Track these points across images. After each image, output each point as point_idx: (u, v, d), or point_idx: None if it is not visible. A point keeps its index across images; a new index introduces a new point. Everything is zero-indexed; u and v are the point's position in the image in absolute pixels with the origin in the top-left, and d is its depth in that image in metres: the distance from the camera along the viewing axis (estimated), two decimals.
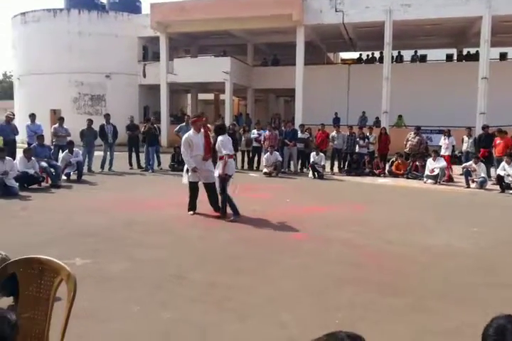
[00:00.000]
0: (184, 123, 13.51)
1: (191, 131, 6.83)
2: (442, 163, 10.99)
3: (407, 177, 11.68)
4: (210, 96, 28.94)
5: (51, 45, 21.34)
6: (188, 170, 6.86)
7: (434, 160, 11.09)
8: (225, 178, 6.51)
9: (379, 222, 6.64)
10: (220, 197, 6.66)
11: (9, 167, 8.40)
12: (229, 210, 6.60)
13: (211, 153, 6.87)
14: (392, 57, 19.54)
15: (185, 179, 6.98)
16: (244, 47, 23.68)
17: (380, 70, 18.36)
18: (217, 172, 6.60)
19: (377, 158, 12.81)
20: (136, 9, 23.78)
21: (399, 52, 22.21)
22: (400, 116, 18.86)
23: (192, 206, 6.87)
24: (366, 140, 12.97)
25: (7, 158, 8.73)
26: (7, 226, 5.93)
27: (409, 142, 12.65)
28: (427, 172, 11.13)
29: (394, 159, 12.35)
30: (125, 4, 23.46)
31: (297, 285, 3.94)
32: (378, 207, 7.92)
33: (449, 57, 22.77)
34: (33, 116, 11.73)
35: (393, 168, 12.23)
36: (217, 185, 6.69)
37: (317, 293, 3.78)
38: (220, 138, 6.61)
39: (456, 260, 4.81)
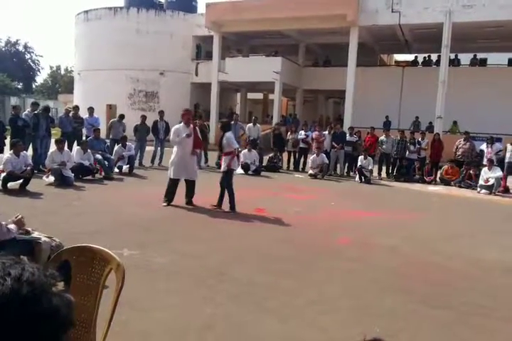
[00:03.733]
0: (232, 122, 13.70)
1: (181, 124, 7.16)
2: (498, 172, 10.48)
3: (460, 186, 11.22)
4: (259, 95, 29.09)
5: (110, 42, 22.21)
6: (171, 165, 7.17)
7: (489, 169, 10.60)
8: (229, 172, 7.00)
9: (427, 232, 6.43)
10: (226, 191, 7.03)
11: (67, 158, 8.85)
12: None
13: (200, 145, 7.31)
14: (450, 60, 18.81)
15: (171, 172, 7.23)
16: (295, 48, 23.61)
17: (435, 74, 17.73)
18: (223, 166, 7.09)
19: (428, 165, 12.41)
20: (192, 8, 24.31)
21: (456, 55, 21.35)
22: (455, 122, 18.14)
23: (169, 198, 7.09)
24: (417, 145, 12.59)
25: (65, 149, 9.21)
26: (62, 215, 6.25)
27: (461, 149, 12.17)
28: (481, 181, 10.64)
29: (446, 166, 11.93)
30: (182, 3, 24.04)
31: (339, 291, 3.90)
32: (427, 216, 7.67)
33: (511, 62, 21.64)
34: (91, 110, 12.30)
35: (443, 173, 11.81)
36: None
37: (359, 300, 3.72)
38: (227, 134, 7.06)
39: (507, 276, 4.58)
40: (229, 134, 7.10)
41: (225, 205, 7.12)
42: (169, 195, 7.11)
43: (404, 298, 3.78)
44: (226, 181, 7.01)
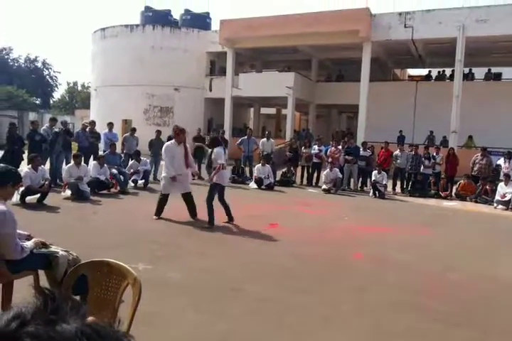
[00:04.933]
0: (246, 137, 13.82)
1: (172, 142, 7.28)
2: None
3: (476, 202, 11.07)
4: (272, 110, 29.28)
5: (126, 59, 22.67)
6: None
7: (506, 184, 10.45)
8: (214, 187, 6.87)
9: (442, 248, 6.34)
10: (206, 204, 6.92)
11: (83, 172, 8.99)
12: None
13: (189, 163, 7.30)
14: (464, 74, 18.77)
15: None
16: (308, 63, 23.81)
17: (449, 88, 17.67)
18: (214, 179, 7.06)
19: (443, 180, 12.28)
20: (206, 25, 24.77)
21: (470, 70, 21.30)
22: (470, 137, 17.99)
23: (158, 212, 7.24)
24: (432, 160, 12.50)
25: (82, 164, 9.36)
26: (78, 229, 6.33)
27: (478, 165, 12.03)
28: (497, 197, 10.49)
29: (462, 181, 11.79)
30: (196, 21, 24.54)
31: (354, 308, 3.86)
32: (442, 232, 7.57)
33: None
34: (110, 125, 12.50)
35: (459, 188, 11.68)
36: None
37: (374, 317, 3.67)
38: (215, 149, 7.08)
39: None
40: (217, 149, 7.09)
41: (237, 220, 7.13)
42: (159, 209, 7.25)
43: (421, 316, 3.72)
44: (209, 195, 6.90)
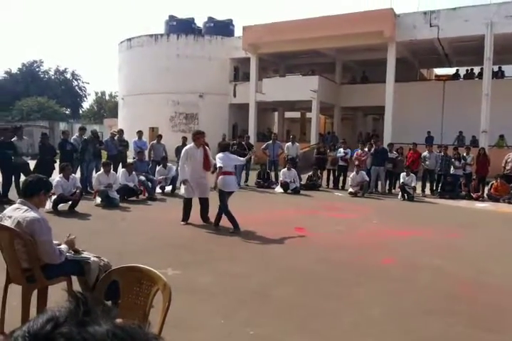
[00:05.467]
0: (271, 141, 13.84)
1: (192, 145, 7.32)
2: None
3: (510, 203, 10.74)
4: (297, 114, 29.24)
5: (152, 68, 23.14)
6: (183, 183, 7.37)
7: None
8: (221, 193, 6.86)
9: (474, 251, 6.18)
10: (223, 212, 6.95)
11: (113, 180, 9.20)
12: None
13: (210, 165, 7.31)
14: (493, 72, 18.27)
15: (182, 190, 7.54)
16: (332, 66, 23.70)
17: (478, 87, 17.25)
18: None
19: (474, 181, 11.96)
20: (229, 32, 25.02)
21: (499, 67, 20.73)
22: (502, 136, 17.47)
23: (185, 217, 7.35)
24: (462, 161, 12.20)
25: (111, 171, 9.58)
26: (108, 235, 6.47)
27: (510, 164, 11.67)
28: None
29: (494, 182, 11.45)
30: (220, 28, 24.83)
31: (384, 313, 3.80)
32: (474, 234, 7.37)
33: None
34: (140, 133, 12.77)
35: (492, 190, 11.34)
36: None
37: (405, 322, 3.61)
38: (218, 154, 7.04)
39: None
40: (218, 154, 7.03)
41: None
42: (185, 214, 7.36)
43: (453, 320, 3.63)
44: (220, 202, 6.90)
